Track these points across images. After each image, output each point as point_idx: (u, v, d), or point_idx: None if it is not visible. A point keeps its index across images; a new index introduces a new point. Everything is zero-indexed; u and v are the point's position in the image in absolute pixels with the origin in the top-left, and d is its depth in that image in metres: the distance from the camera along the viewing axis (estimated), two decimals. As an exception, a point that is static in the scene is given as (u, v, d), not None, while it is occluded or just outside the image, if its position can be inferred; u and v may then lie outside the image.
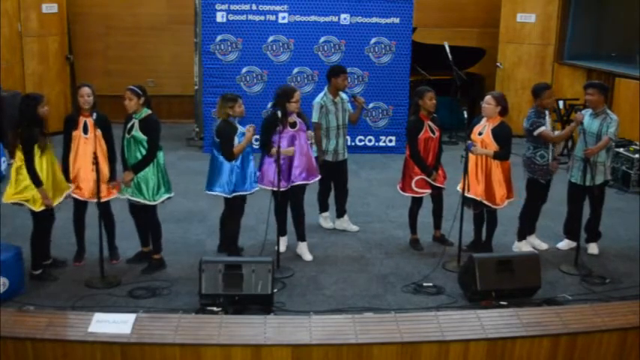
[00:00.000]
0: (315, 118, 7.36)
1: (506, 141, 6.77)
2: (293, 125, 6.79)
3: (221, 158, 6.53)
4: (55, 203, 6.32)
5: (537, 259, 6.30)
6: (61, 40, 11.63)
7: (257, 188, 6.77)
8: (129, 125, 6.48)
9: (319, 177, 7.11)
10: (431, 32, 12.26)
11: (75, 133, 6.44)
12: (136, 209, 6.72)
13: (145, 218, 6.70)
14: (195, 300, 5.94)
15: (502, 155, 6.76)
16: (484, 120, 6.88)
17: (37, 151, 6.12)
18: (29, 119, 6.13)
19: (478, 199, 6.80)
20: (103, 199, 6.45)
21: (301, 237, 7.12)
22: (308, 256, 7.06)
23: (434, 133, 7.09)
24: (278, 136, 6.60)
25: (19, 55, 11.01)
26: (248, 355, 5.04)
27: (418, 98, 7.05)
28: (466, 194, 6.76)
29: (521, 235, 7.25)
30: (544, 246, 7.31)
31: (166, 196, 6.63)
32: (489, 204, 6.85)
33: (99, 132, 6.38)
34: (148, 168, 6.45)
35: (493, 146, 6.74)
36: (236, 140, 6.52)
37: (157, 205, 6.64)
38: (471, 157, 6.82)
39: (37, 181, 6.13)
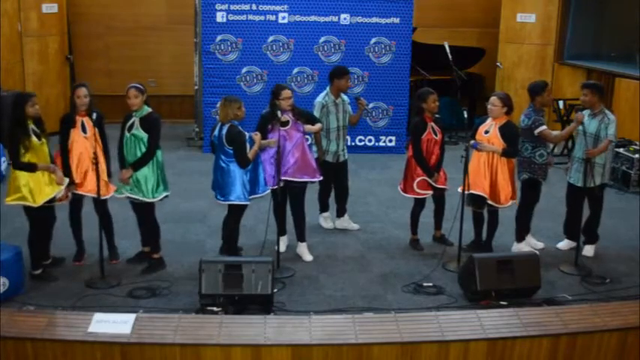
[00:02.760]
0: None
1: (514, 139, 6.80)
2: (285, 124, 6.77)
3: (232, 166, 6.44)
4: (49, 197, 6.25)
5: (537, 259, 6.30)
6: (61, 40, 11.64)
7: (268, 190, 6.76)
8: (129, 123, 6.48)
9: (318, 178, 7.05)
10: (431, 32, 12.26)
11: (73, 133, 6.45)
12: (136, 207, 6.72)
13: (144, 216, 6.71)
14: (195, 300, 5.95)
15: (511, 152, 6.79)
16: (490, 119, 6.90)
17: (21, 150, 6.09)
18: (16, 118, 6.12)
19: (484, 194, 6.80)
20: (105, 196, 6.48)
21: (301, 237, 7.11)
22: (308, 257, 7.06)
23: (436, 135, 7.09)
24: (271, 134, 6.62)
25: (19, 55, 11.00)
26: (248, 355, 5.03)
27: (421, 101, 7.04)
28: (472, 191, 6.74)
29: (520, 237, 7.24)
30: (540, 245, 7.29)
31: (165, 193, 6.63)
32: (493, 203, 6.85)
33: (96, 131, 6.39)
34: (147, 166, 6.45)
35: (501, 144, 6.77)
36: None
37: (156, 204, 6.64)
38: (477, 155, 6.83)
39: (30, 168, 6.12)
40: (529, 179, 7.02)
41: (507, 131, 6.79)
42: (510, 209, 7.17)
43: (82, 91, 6.42)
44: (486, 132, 6.87)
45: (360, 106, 7.55)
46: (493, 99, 6.88)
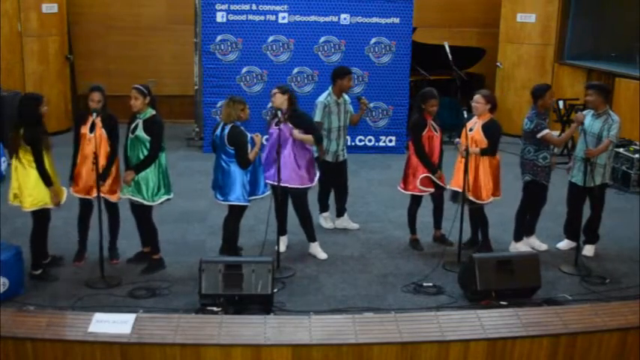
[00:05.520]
0: (317, 117, 7.32)
1: (494, 136, 6.86)
2: (279, 124, 6.76)
3: (233, 167, 6.44)
4: (64, 196, 6.41)
5: (537, 259, 6.30)
6: (61, 40, 11.63)
7: (268, 192, 6.77)
8: (133, 125, 6.49)
9: (307, 185, 6.93)
10: (431, 32, 12.25)
11: (82, 131, 6.48)
12: (134, 209, 6.72)
13: (142, 218, 6.71)
14: (195, 300, 5.95)
15: (489, 151, 6.85)
16: (474, 117, 6.95)
17: (43, 151, 6.17)
18: (31, 119, 6.14)
19: (460, 190, 6.81)
20: (103, 196, 6.47)
21: (311, 238, 7.13)
22: (322, 255, 7.08)
23: (436, 132, 7.12)
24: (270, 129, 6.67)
25: (19, 55, 11.00)
26: (248, 355, 5.04)
27: (422, 102, 7.07)
28: (449, 187, 6.85)
29: (518, 236, 7.23)
30: (544, 247, 7.29)
31: (165, 197, 6.62)
32: (474, 199, 6.86)
33: (104, 132, 6.41)
34: (149, 168, 6.45)
35: (483, 141, 6.81)
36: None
37: (155, 206, 6.64)
38: (460, 153, 6.87)
39: (48, 181, 6.19)
40: (531, 181, 7.03)
41: (489, 129, 6.84)
42: (510, 209, 7.17)
43: (96, 97, 6.43)
44: (470, 130, 6.90)
45: (362, 105, 7.55)
46: (477, 97, 6.93)
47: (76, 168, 6.55)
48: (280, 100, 6.73)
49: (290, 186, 6.80)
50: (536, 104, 7.01)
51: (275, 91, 6.79)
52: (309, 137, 6.84)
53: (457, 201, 6.93)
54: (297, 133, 6.74)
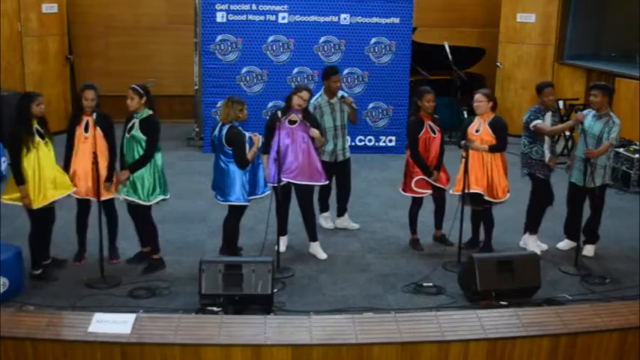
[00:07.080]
0: None
1: (502, 131, 6.91)
2: (293, 123, 6.78)
3: (232, 167, 6.45)
4: (49, 201, 6.28)
5: (537, 259, 6.31)
6: (61, 40, 11.63)
7: (268, 192, 6.77)
8: (129, 124, 6.49)
9: (322, 182, 7.04)
10: (431, 32, 12.25)
11: (77, 131, 6.45)
12: (131, 209, 6.72)
13: (140, 218, 6.71)
14: (195, 300, 5.94)
15: (498, 147, 6.87)
16: (477, 118, 6.96)
17: (23, 150, 6.10)
18: (21, 117, 6.13)
19: (481, 192, 6.81)
20: (101, 198, 6.45)
21: (313, 237, 7.14)
22: (322, 255, 7.08)
23: (434, 133, 7.10)
24: (278, 132, 6.63)
25: (19, 55, 11.01)
26: (248, 355, 5.04)
27: (418, 98, 7.09)
28: (470, 190, 6.75)
29: (532, 229, 7.23)
30: (544, 247, 7.29)
31: (161, 197, 6.61)
32: (491, 199, 6.87)
33: (99, 131, 6.39)
34: (144, 168, 6.45)
35: (492, 139, 6.84)
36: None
37: (153, 206, 6.64)
38: (471, 155, 6.83)
39: (18, 179, 6.13)
40: (529, 175, 7.11)
41: (496, 125, 6.90)
42: (510, 209, 7.16)
43: (90, 94, 6.41)
44: (477, 131, 6.92)
45: (346, 105, 7.52)
46: (478, 96, 6.95)
47: (70, 169, 6.50)
48: (305, 100, 6.80)
49: (312, 184, 6.90)
50: (538, 100, 7.10)
51: (305, 93, 6.80)
52: (323, 139, 7.02)
53: (473, 204, 6.93)
54: (316, 132, 6.86)
